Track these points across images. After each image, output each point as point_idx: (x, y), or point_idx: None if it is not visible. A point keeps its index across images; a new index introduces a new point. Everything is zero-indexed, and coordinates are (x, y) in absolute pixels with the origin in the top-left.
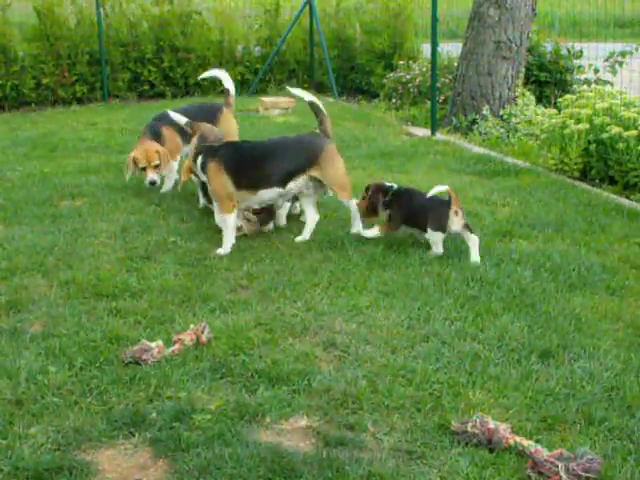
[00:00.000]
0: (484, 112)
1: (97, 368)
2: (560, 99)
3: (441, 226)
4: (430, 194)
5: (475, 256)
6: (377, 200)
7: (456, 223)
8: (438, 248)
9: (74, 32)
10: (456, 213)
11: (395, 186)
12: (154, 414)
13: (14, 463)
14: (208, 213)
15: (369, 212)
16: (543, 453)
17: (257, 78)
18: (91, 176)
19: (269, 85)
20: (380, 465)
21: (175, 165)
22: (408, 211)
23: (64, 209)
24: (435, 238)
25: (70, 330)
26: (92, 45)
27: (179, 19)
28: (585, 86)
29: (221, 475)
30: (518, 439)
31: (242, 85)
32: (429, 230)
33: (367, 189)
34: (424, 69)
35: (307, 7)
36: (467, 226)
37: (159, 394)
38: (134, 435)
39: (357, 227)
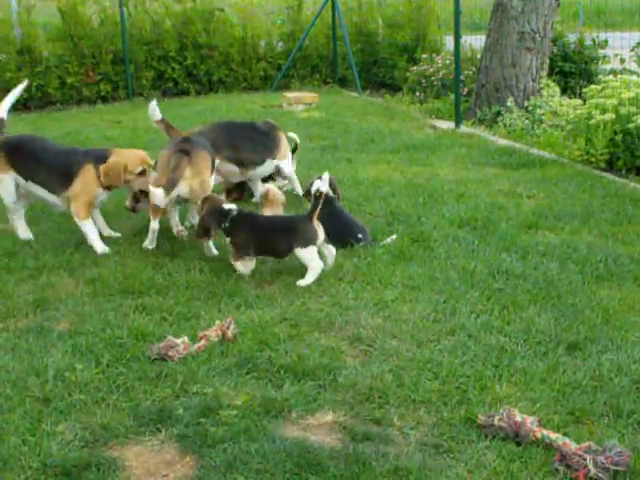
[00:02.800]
0: (508, 104)
1: (124, 365)
2: (585, 89)
3: (312, 240)
4: (314, 188)
5: (331, 262)
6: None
7: (321, 234)
8: (318, 262)
9: (98, 31)
10: (318, 224)
11: (235, 209)
12: (180, 410)
13: (42, 460)
14: None
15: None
16: (571, 446)
17: (280, 74)
18: None
19: (292, 81)
20: (407, 459)
21: None
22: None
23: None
24: (310, 254)
25: (96, 327)
26: (116, 44)
27: (202, 16)
28: (611, 76)
29: (248, 470)
30: (545, 432)
31: (265, 81)
32: (300, 248)
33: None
34: (447, 62)
35: (329, 2)
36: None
37: (185, 390)
38: (161, 431)
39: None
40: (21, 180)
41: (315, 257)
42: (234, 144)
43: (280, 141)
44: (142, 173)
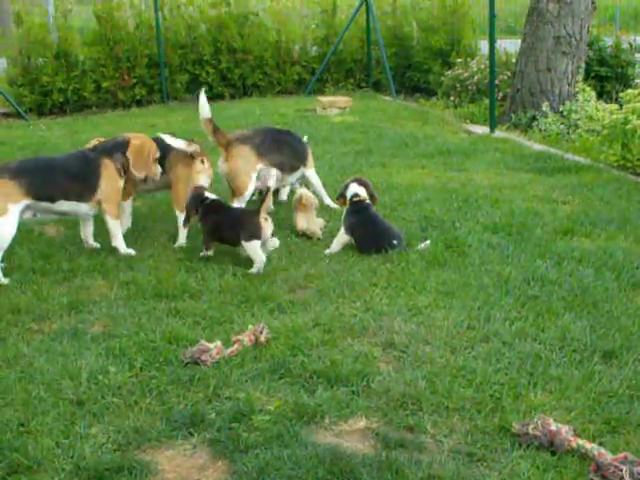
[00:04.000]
0: (544, 108)
1: (157, 368)
2: (622, 94)
3: (256, 234)
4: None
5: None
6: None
7: (267, 229)
8: (261, 255)
9: (133, 36)
10: (266, 219)
11: (210, 197)
12: (213, 415)
13: (76, 462)
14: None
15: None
16: (607, 456)
17: (314, 78)
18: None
19: (326, 85)
20: (440, 467)
21: None
22: (216, 225)
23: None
24: (253, 248)
25: (130, 331)
26: (151, 48)
27: (236, 20)
28: None
29: (280, 476)
30: (581, 442)
31: (299, 85)
32: (244, 242)
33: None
34: (482, 66)
35: (364, 5)
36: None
37: (218, 395)
38: (193, 435)
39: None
40: (43, 205)
41: (257, 250)
42: (278, 149)
43: (309, 150)
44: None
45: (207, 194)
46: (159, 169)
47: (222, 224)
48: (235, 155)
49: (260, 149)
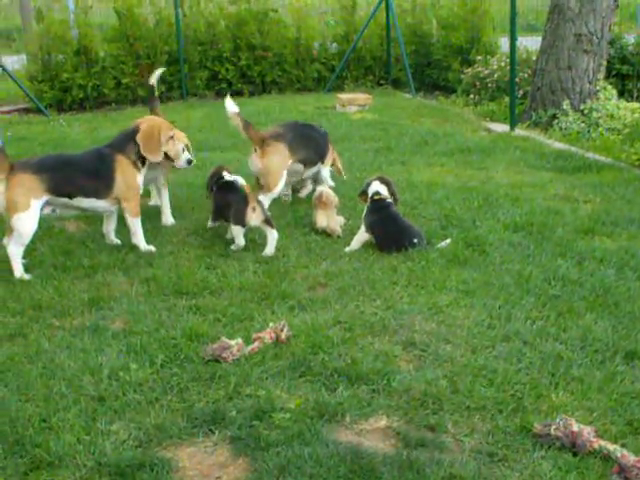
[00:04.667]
0: (564, 107)
1: (177, 365)
2: None
3: (240, 220)
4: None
5: (269, 251)
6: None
7: (254, 218)
8: (240, 240)
9: (153, 32)
10: (253, 209)
11: (227, 177)
12: (234, 412)
13: (97, 459)
14: (286, 212)
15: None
16: (629, 458)
17: (334, 75)
18: (169, 174)
19: (346, 82)
20: (461, 467)
21: None
22: (220, 204)
23: (143, 206)
24: (236, 232)
25: (150, 327)
26: (171, 45)
27: (256, 17)
28: None
29: (301, 475)
30: (603, 443)
31: (319, 82)
32: (231, 224)
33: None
34: (502, 64)
35: (383, 3)
36: (267, 221)
37: (239, 392)
38: (214, 433)
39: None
40: (62, 200)
41: (239, 235)
42: (306, 145)
43: (329, 148)
44: (172, 138)
45: (224, 173)
46: (179, 146)
47: (224, 204)
48: (271, 152)
49: (292, 146)
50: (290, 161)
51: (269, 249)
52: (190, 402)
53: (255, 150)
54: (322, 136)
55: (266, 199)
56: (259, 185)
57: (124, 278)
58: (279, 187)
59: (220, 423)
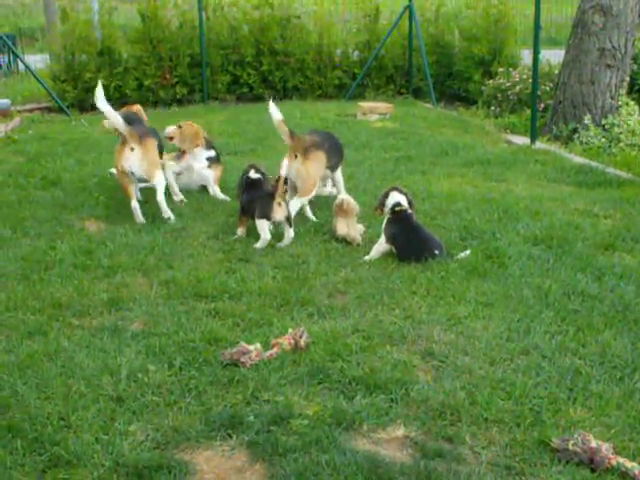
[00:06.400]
0: (585, 121)
1: (196, 368)
2: None
3: (266, 214)
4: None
5: (283, 244)
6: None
7: (280, 213)
8: (266, 234)
9: (176, 35)
10: (279, 204)
11: (252, 175)
12: (252, 417)
13: (115, 459)
14: (306, 219)
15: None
16: None
17: (355, 83)
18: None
19: (367, 90)
20: (478, 479)
21: None
22: (246, 200)
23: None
24: (261, 225)
25: (170, 329)
26: (193, 48)
27: (279, 23)
28: None
29: None
30: (621, 460)
31: (340, 89)
32: (256, 218)
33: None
34: (524, 76)
35: (406, 12)
36: (288, 219)
37: (257, 397)
38: (231, 437)
39: None
40: None
41: (265, 229)
42: (335, 153)
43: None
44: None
45: (251, 173)
46: None
47: (249, 200)
48: (312, 159)
49: (328, 154)
50: (324, 168)
51: (284, 243)
52: (208, 405)
53: (295, 156)
54: (340, 143)
55: (298, 202)
56: (291, 188)
57: (144, 279)
58: (314, 192)
59: (238, 427)
